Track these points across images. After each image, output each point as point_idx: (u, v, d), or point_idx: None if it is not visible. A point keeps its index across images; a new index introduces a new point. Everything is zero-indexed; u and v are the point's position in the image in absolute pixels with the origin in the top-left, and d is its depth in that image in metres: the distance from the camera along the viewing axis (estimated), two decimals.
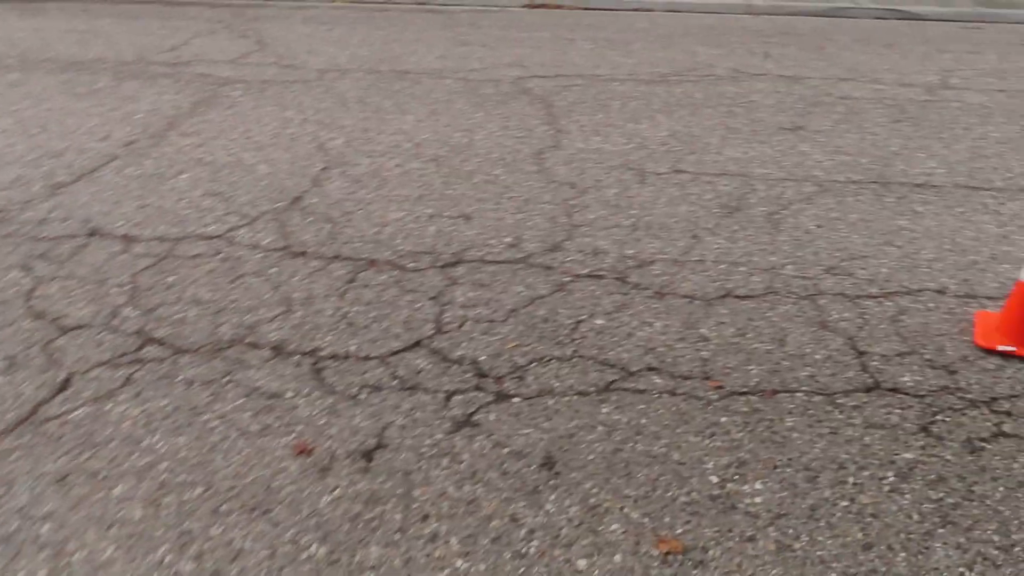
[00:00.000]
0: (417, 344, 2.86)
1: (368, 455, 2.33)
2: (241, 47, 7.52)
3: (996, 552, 2.02)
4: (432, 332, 2.94)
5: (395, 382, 2.65)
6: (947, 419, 2.48)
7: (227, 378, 2.67)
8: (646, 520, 2.11)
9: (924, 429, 2.44)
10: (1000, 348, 2.81)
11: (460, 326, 2.97)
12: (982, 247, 3.66)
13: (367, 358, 2.78)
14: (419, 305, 3.12)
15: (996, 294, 3.24)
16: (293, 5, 9.92)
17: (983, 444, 2.37)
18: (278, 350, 2.81)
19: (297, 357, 2.78)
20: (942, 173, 4.58)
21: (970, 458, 2.32)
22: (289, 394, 2.60)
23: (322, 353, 2.81)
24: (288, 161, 4.68)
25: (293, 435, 2.41)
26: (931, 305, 3.15)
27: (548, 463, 2.30)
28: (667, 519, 2.12)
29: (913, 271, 3.42)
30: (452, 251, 3.57)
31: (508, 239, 3.69)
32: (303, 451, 2.34)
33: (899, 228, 3.85)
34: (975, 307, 3.14)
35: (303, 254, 3.53)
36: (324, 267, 3.42)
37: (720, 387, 2.62)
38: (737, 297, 3.21)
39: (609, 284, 3.30)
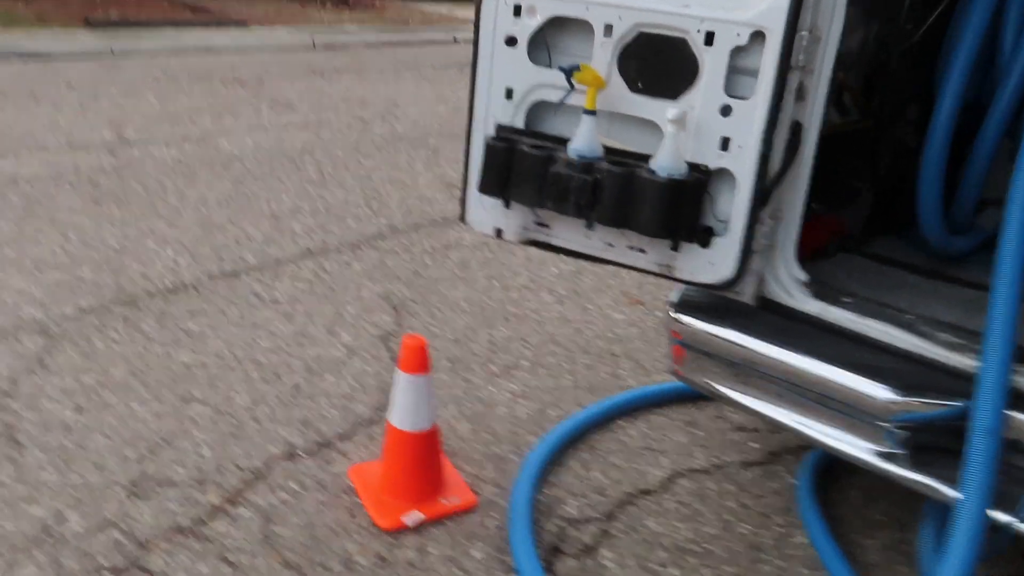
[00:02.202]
0: None
1: None
2: None
3: None
4: None
5: None
6: None
7: None
8: None
9: None
10: (406, 521, 2.16)
11: None
12: (292, 359, 2.96)
13: None
14: None
15: (345, 429, 2.59)
16: None
17: None
18: None
19: None
20: (188, 264, 3.72)
21: None
22: None
23: None
24: None
25: None
26: (297, 487, 2.30)
27: None
28: None
29: (241, 436, 2.50)
30: None
31: None
32: None
33: (187, 370, 2.84)
34: (340, 460, 2.42)
35: None
36: None
37: None
38: None
39: None
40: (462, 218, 2.14)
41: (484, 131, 1.99)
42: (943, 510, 1.94)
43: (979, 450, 1.52)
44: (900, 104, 2.18)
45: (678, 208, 1.73)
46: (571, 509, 2.28)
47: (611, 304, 3.62)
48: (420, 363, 2.12)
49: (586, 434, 2.62)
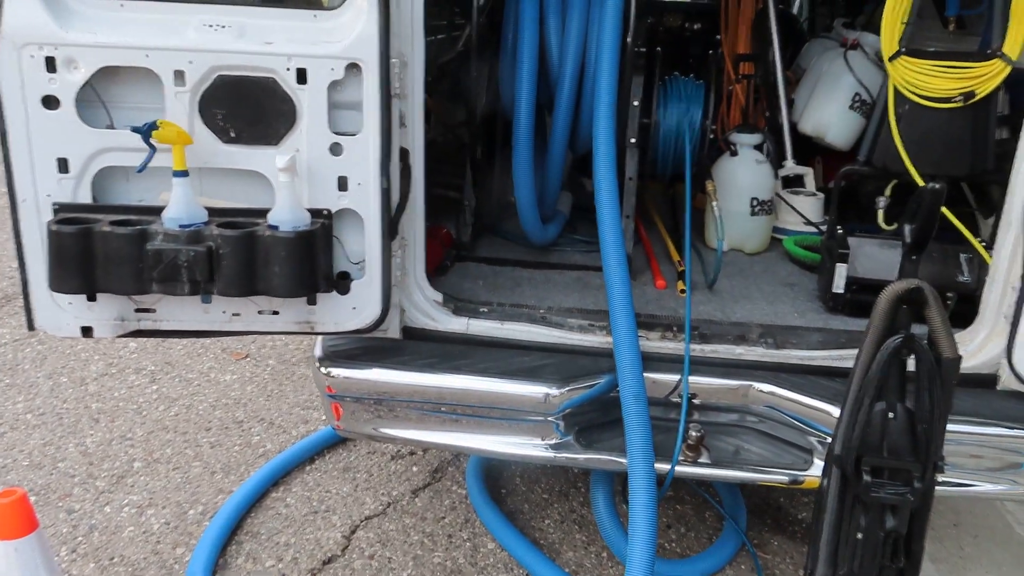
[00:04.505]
0: None
1: None
2: None
3: None
4: None
5: None
6: None
7: None
8: None
9: None
10: None
11: None
12: None
13: None
14: None
15: None
16: None
17: None
18: None
19: None
20: None
21: None
22: None
23: None
24: None
25: None
26: None
27: None
28: None
29: None
30: None
31: None
32: None
33: None
34: None
35: None
36: None
37: None
38: None
39: None
40: (30, 325, 1.69)
41: (38, 215, 1.59)
42: (605, 475, 2.15)
43: (633, 415, 1.69)
44: (472, 112, 2.31)
45: (311, 261, 1.59)
46: None
47: (215, 366, 3.26)
48: (24, 522, 1.62)
49: (242, 522, 2.32)
